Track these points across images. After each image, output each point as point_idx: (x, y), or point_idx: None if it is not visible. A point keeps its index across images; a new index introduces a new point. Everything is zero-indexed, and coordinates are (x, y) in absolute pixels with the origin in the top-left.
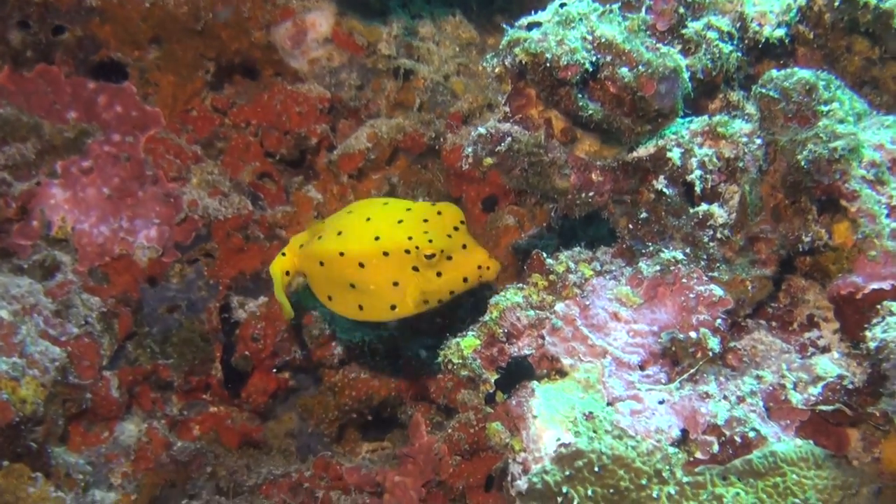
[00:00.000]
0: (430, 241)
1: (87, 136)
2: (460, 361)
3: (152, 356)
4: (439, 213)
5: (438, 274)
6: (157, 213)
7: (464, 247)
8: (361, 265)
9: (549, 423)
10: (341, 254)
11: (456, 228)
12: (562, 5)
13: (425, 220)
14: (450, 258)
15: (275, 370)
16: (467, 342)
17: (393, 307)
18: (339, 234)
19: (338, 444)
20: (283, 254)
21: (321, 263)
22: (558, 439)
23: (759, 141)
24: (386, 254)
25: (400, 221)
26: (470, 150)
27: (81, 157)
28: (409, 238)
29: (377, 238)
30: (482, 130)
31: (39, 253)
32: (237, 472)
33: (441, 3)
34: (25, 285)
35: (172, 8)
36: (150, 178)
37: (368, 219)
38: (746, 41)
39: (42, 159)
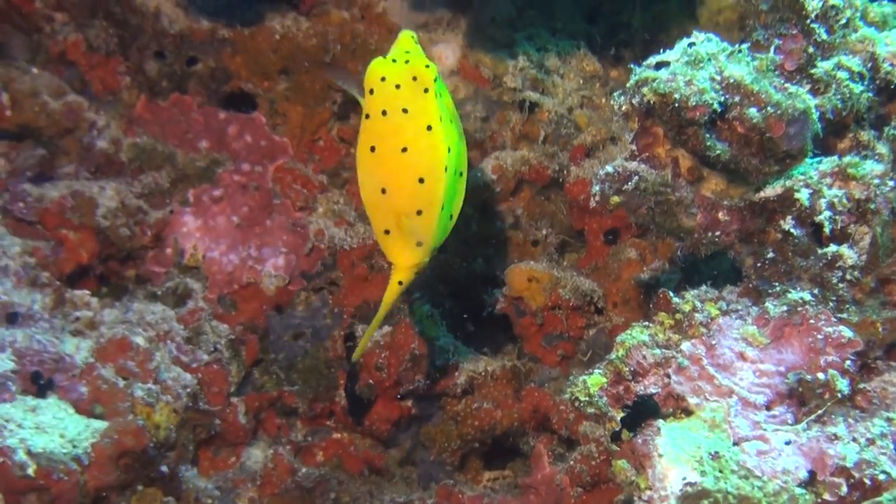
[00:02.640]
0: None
1: (218, 165)
2: (587, 399)
3: (278, 383)
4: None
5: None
6: (284, 242)
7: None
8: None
9: (674, 462)
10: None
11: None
12: (690, 45)
13: (398, 86)
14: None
15: (398, 398)
16: (594, 380)
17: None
18: (420, 212)
19: (460, 472)
20: (401, 282)
21: (437, 251)
22: (684, 478)
23: (891, 183)
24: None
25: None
26: (597, 188)
27: (212, 185)
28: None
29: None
30: (609, 169)
31: (172, 280)
32: (360, 499)
33: (566, 35)
34: (159, 312)
35: (302, 40)
36: (277, 207)
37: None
38: (878, 81)
39: (175, 188)
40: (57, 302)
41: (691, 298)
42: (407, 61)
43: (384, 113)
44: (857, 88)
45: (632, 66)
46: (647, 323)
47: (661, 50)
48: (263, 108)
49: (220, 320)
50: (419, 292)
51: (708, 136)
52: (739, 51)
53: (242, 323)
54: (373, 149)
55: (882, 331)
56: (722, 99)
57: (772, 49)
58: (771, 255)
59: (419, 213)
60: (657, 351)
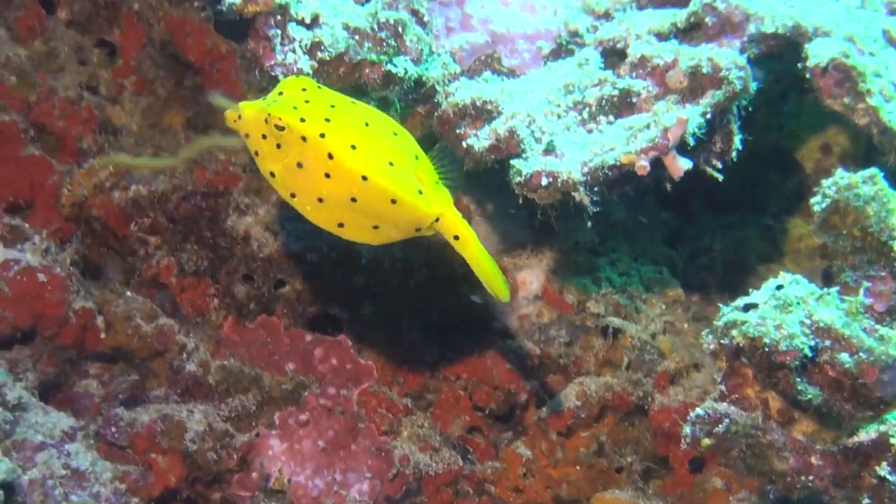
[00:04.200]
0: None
1: (304, 388)
2: None
3: None
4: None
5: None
6: (369, 467)
7: None
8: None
9: None
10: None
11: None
12: (778, 287)
13: (307, 101)
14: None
15: None
16: None
17: None
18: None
19: None
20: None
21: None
22: None
23: None
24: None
25: None
26: (688, 430)
27: (298, 409)
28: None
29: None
30: (700, 412)
31: None
32: None
33: (648, 260)
34: None
35: (388, 264)
36: (363, 431)
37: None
38: None
39: (261, 410)
40: None
41: None
42: (281, 92)
43: (328, 120)
44: None
45: (720, 306)
46: None
47: (748, 291)
48: (349, 331)
49: None
50: None
51: (799, 379)
52: (828, 294)
53: None
54: (353, 146)
55: None
56: (812, 343)
57: (861, 291)
58: (866, 501)
59: (417, 157)
60: None
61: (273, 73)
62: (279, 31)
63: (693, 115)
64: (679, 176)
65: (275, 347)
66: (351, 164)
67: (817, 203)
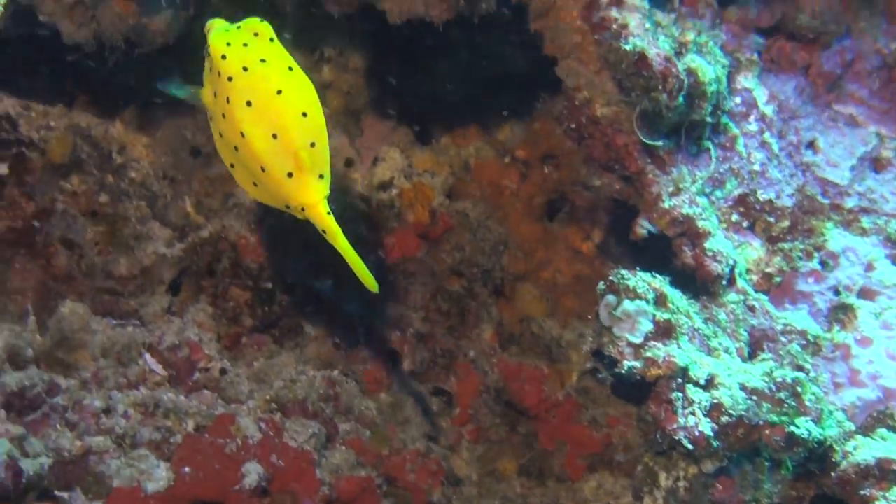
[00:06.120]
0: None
1: None
2: None
3: None
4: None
5: None
6: None
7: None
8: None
9: None
10: None
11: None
12: None
13: (245, 45)
14: None
15: None
16: None
17: None
18: (314, 144)
19: None
20: (329, 213)
21: None
22: None
23: None
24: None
25: None
26: None
27: None
28: None
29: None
30: None
31: None
32: None
33: None
34: None
35: None
36: None
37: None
38: None
39: None
40: None
41: None
42: (238, 27)
43: (245, 69)
44: None
45: None
46: None
47: None
48: None
49: None
50: None
51: None
52: None
53: None
54: (249, 103)
55: None
56: None
57: None
58: None
59: (313, 145)
60: None
61: (676, 438)
62: (680, 395)
63: None
64: None
65: None
66: (239, 116)
67: None
